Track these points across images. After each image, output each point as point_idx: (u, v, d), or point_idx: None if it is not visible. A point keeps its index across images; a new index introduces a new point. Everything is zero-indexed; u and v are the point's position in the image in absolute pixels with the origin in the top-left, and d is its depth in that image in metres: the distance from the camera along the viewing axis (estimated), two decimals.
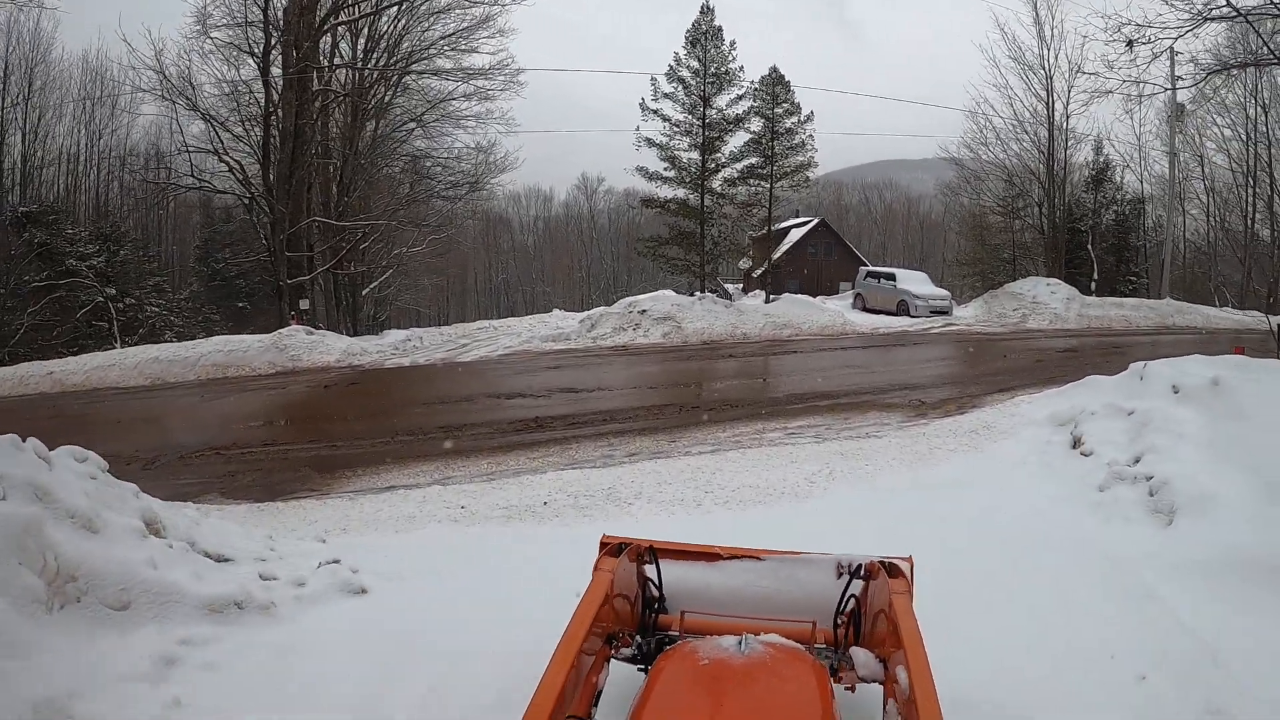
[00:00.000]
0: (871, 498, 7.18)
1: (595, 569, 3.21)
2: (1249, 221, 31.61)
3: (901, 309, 26.52)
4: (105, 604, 4.32)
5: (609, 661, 3.08)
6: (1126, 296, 29.00)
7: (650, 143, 28.03)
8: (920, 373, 15.43)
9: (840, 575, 3.42)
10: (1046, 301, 24.87)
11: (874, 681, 2.95)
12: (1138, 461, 7.00)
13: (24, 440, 4.90)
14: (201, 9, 22.13)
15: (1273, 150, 29.85)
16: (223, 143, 22.63)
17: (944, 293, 27.81)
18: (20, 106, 33.88)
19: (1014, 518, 6.43)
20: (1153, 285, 32.34)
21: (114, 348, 22.33)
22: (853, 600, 3.35)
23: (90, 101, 35.81)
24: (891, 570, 3.20)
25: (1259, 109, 29.96)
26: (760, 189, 29.09)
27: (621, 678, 3.07)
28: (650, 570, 3.52)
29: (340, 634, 4.53)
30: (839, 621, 3.36)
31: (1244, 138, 30.83)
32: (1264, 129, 29.99)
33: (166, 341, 22.94)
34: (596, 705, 2.81)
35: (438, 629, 4.44)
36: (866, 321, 24.17)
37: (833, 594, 3.41)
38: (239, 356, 17.40)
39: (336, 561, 5.43)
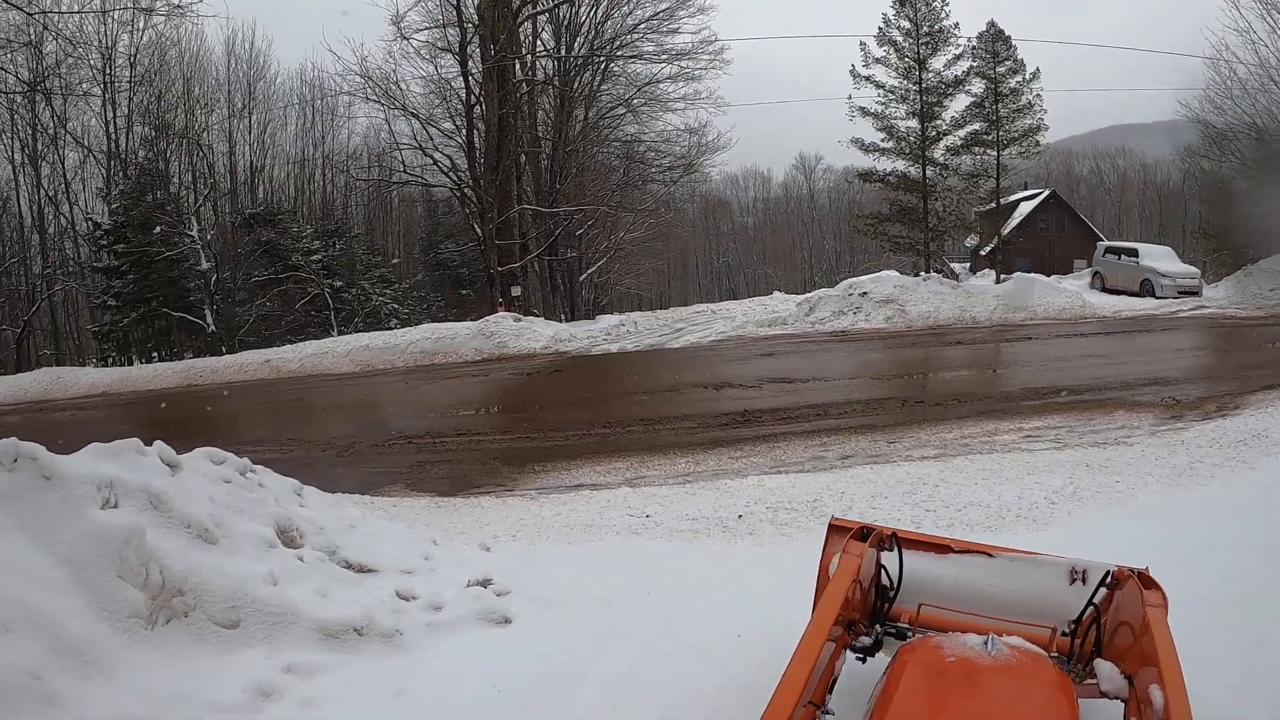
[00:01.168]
0: (1127, 530, 5.77)
1: (844, 552, 3.08)
2: None
3: (1145, 289, 23.54)
4: (214, 621, 3.98)
5: (846, 649, 3.02)
6: None
7: (865, 112, 26.33)
8: (1171, 364, 13.39)
9: (1073, 581, 3.23)
10: None
11: (1116, 698, 2.77)
12: None
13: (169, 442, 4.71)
14: (397, 15, 22.79)
15: None
16: (430, 138, 23.21)
17: (1193, 270, 24.64)
18: (245, 119, 36.73)
19: None
20: None
21: (331, 336, 23.29)
22: (1091, 608, 3.13)
23: (310, 109, 38.49)
24: (1146, 581, 2.97)
25: None
26: (986, 158, 26.72)
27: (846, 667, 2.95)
28: (887, 558, 3.36)
29: (466, 676, 3.87)
30: (1076, 631, 3.15)
31: None
32: None
33: (392, 329, 23.69)
34: (831, 692, 2.74)
35: (581, 679, 3.74)
36: (1107, 303, 21.71)
37: (1066, 599, 3.21)
38: (446, 344, 17.55)
39: (486, 583, 4.80)
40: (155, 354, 29.76)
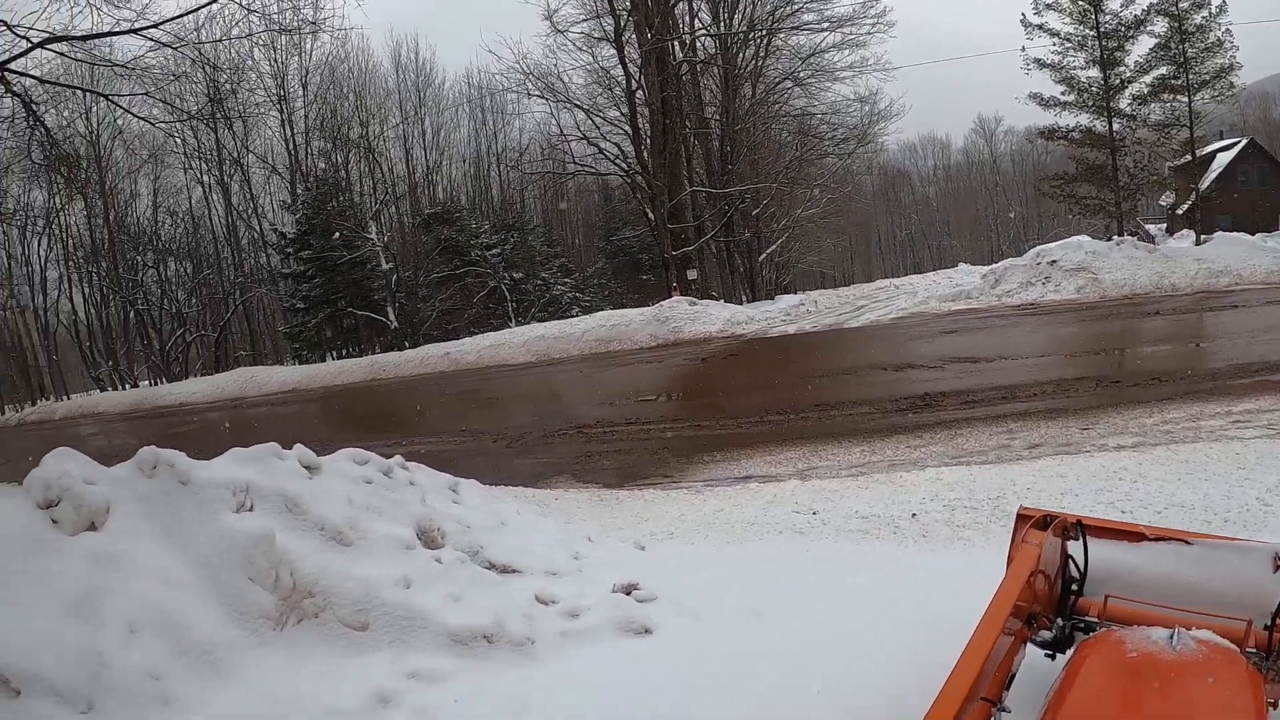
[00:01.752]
0: None
1: (1022, 541, 2.97)
2: None
3: None
4: (343, 623, 3.92)
5: (1025, 644, 2.86)
6: None
7: (1040, 64, 24.78)
8: None
9: (1277, 569, 2.98)
10: None
11: None
12: None
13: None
14: (548, 9, 23.01)
15: None
16: (596, 127, 23.34)
17: None
18: (418, 124, 38.78)
19: None
20: None
21: (510, 327, 23.79)
22: None
23: (480, 109, 40.16)
24: None
25: None
26: (1177, 105, 24.55)
27: (1029, 662, 2.82)
28: (1073, 548, 3.20)
29: (596, 689, 3.61)
30: (1275, 624, 2.87)
31: None
32: None
33: (573, 317, 24.04)
34: (1008, 689, 2.56)
35: (718, 701, 3.41)
36: None
37: (1268, 588, 2.94)
38: (621, 330, 17.51)
39: (632, 589, 4.56)
40: (344, 351, 31.59)
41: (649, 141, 22.84)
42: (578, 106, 23.43)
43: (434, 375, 16.83)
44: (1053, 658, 2.96)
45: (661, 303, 19.04)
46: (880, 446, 8.22)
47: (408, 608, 3.92)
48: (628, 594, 4.53)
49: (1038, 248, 21.52)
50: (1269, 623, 2.90)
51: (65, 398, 37.42)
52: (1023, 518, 3.33)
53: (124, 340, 40.45)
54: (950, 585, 4.14)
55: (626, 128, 23.50)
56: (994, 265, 21.28)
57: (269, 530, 3.89)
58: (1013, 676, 2.66)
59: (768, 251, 29.41)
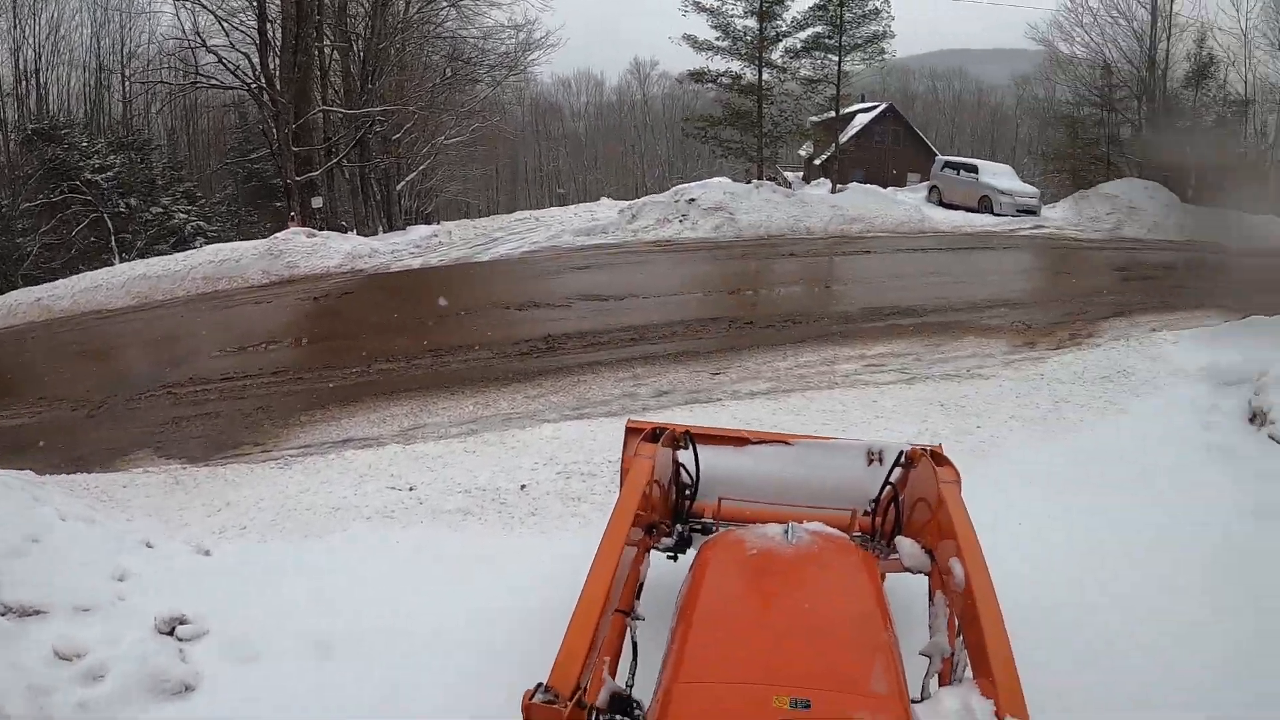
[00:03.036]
0: (998, 502, 4.71)
1: (635, 454, 3.06)
2: None
3: (984, 206, 23.28)
4: None
5: (649, 552, 2.98)
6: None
7: (699, 6, 24.83)
8: (1017, 285, 13.03)
9: (871, 462, 3.36)
10: (1144, 208, 21.80)
11: (919, 572, 2.85)
12: None
13: None
14: None
15: None
16: (226, 34, 20.63)
17: (1032, 190, 24.53)
18: (32, 21, 32.24)
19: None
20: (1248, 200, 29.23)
21: (114, 264, 20.65)
22: (889, 488, 3.29)
23: (102, 9, 34.11)
24: (938, 459, 3.07)
25: None
26: (828, 63, 25.77)
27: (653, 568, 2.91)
28: (683, 456, 3.37)
29: None
30: (875, 510, 3.30)
31: None
32: None
33: (195, 249, 21.24)
34: (639, 597, 2.70)
35: None
36: (946, 218, 21.29)
37: (865, 481, 3.34)
38: (232, 267, 15.38)
39: (178, 624, 3.60)
40: None
41: (280, 54, 20.45)
42: (203, 6, 20.43)
43: (23, 327, 13.94)
44: (675, 559, 3.12)
45: (276, 235, 17.01)
46: (495, 398, 7.65)
47: None
48: (171, 632, 3.71)
49: (678, 186, 21.86)
50: (869, 509, 3.32)
51: None
52: (632, 431, 3.55)
53: None
54: (564, 584, 3.55)
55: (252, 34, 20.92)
56: (633, 201, 21.25)
57: None
58: (641, 585, 2.77)
59: (407, 179, 27.74)
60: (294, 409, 7.73)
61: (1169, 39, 26.74)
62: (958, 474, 3.00)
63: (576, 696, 1.91)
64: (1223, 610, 3.83)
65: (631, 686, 2.31)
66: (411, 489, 5.57)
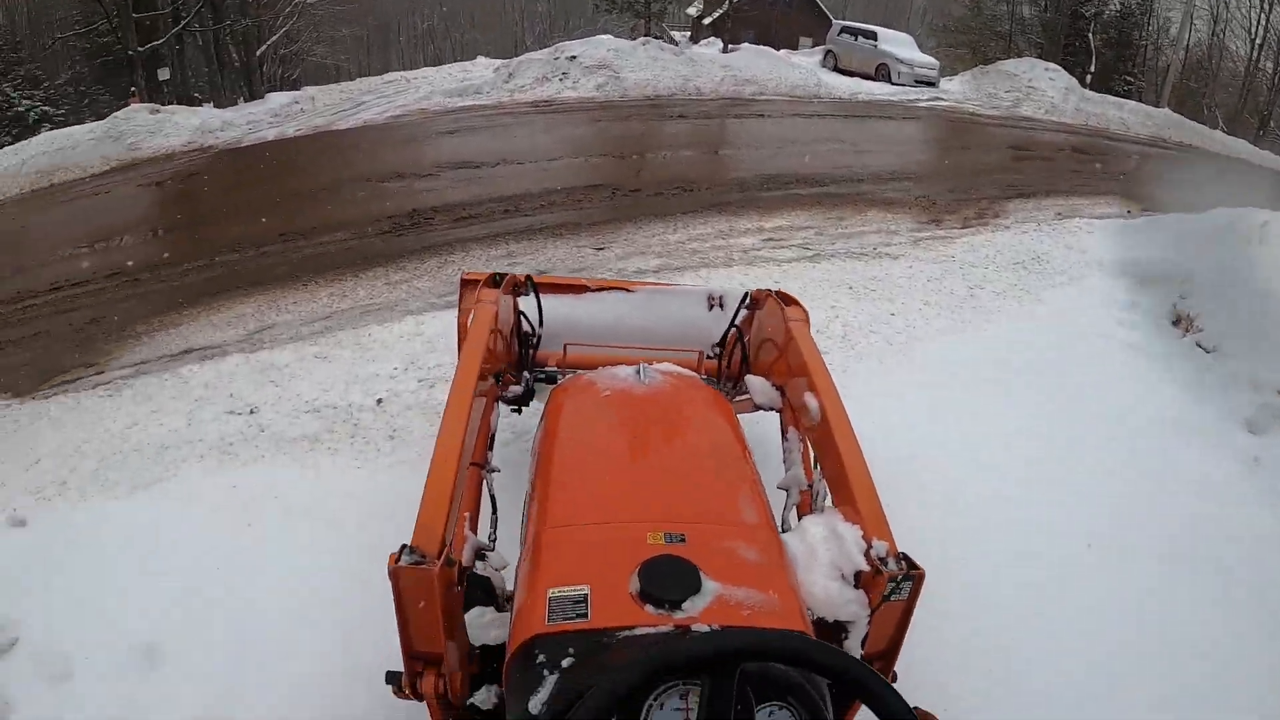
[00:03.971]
0: (919, 404, 4.38)
1: (476, 301, 2.93)
2: (1255, 46, 29.88)
3: (881, 73, 22.72)
4: None
5: (498, 403, 2.90)
6: (1122, 98, 25.57)
7: None
8: (917, 157, 12.38)
9: (711, 307, 3.41)
10: (1043, 89, 21.48)
11: (770, 409, 2.88)
12: None
13: None
14: None
15: None
16: None
17: (932, 61, 23.75)
18: None
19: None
20: (1148, 91, 30.38)
21: None
22: (733, 329, 3.33)
23: None
24: (786, 299, 3.07)
25: None
26: None
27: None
28: (525, 304, 3.32)
29: None
30: (720, 352, 3.36)
31: None
32: None
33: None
34: (491, 449, 2.63)
35: None
36: (843, 85, 20.48)
37: (708, 324, 3.40)
38: (68, 155, 13.39)
39: None
40: None
41: None
42: None
43: None
44: (519, 412, 3.16)
45: (116, 114, 15.03)
46: (354, 285, 6.57)
47: None
48: None
49: (559, 43, 20.49)
50: (713, 354, 3.36)
51: None
52: (468, 283, 3.47)
53: None
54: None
55: None
56: (510, 59, 19.80)
57: None
58: (493, 437, 2.70)
59: (269, 42, 25.38)
60: (129, 319, 6.48)
61: None
62: (806, 313, 2.97)
63: (444, 555, 1.85)
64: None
65: (494, 540, 2.31)
66: (253, 411, 4.56)
